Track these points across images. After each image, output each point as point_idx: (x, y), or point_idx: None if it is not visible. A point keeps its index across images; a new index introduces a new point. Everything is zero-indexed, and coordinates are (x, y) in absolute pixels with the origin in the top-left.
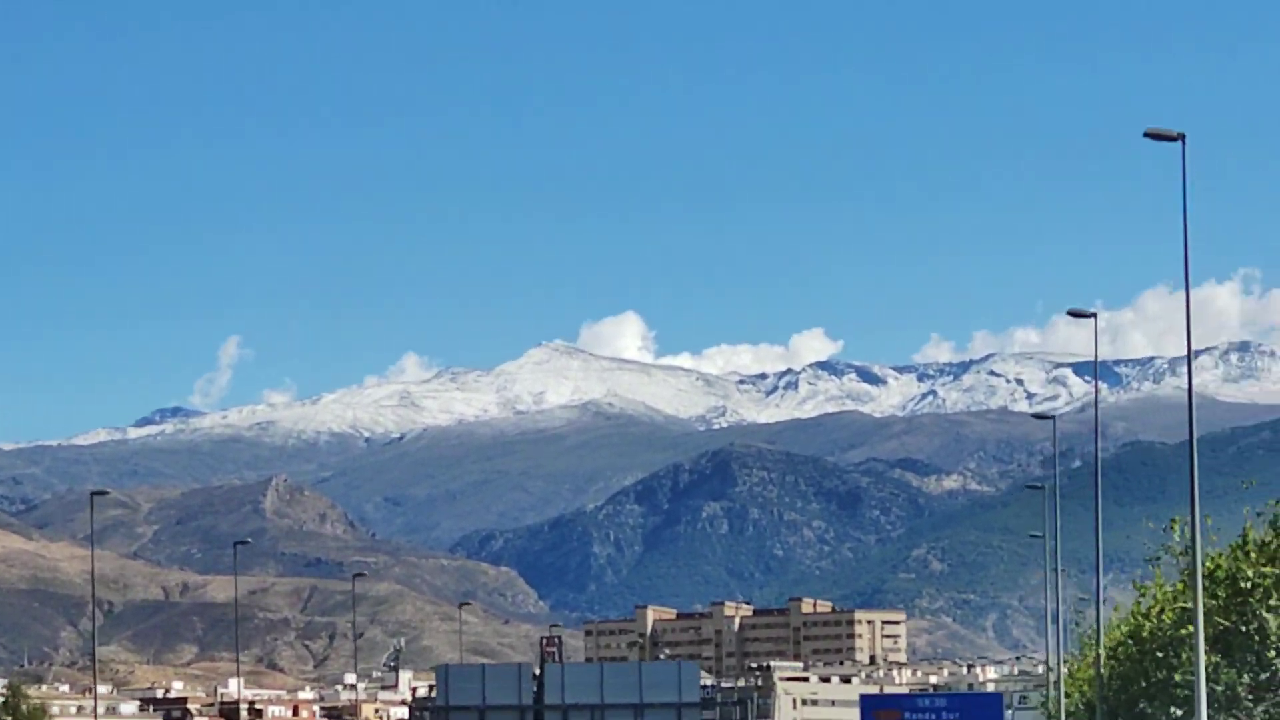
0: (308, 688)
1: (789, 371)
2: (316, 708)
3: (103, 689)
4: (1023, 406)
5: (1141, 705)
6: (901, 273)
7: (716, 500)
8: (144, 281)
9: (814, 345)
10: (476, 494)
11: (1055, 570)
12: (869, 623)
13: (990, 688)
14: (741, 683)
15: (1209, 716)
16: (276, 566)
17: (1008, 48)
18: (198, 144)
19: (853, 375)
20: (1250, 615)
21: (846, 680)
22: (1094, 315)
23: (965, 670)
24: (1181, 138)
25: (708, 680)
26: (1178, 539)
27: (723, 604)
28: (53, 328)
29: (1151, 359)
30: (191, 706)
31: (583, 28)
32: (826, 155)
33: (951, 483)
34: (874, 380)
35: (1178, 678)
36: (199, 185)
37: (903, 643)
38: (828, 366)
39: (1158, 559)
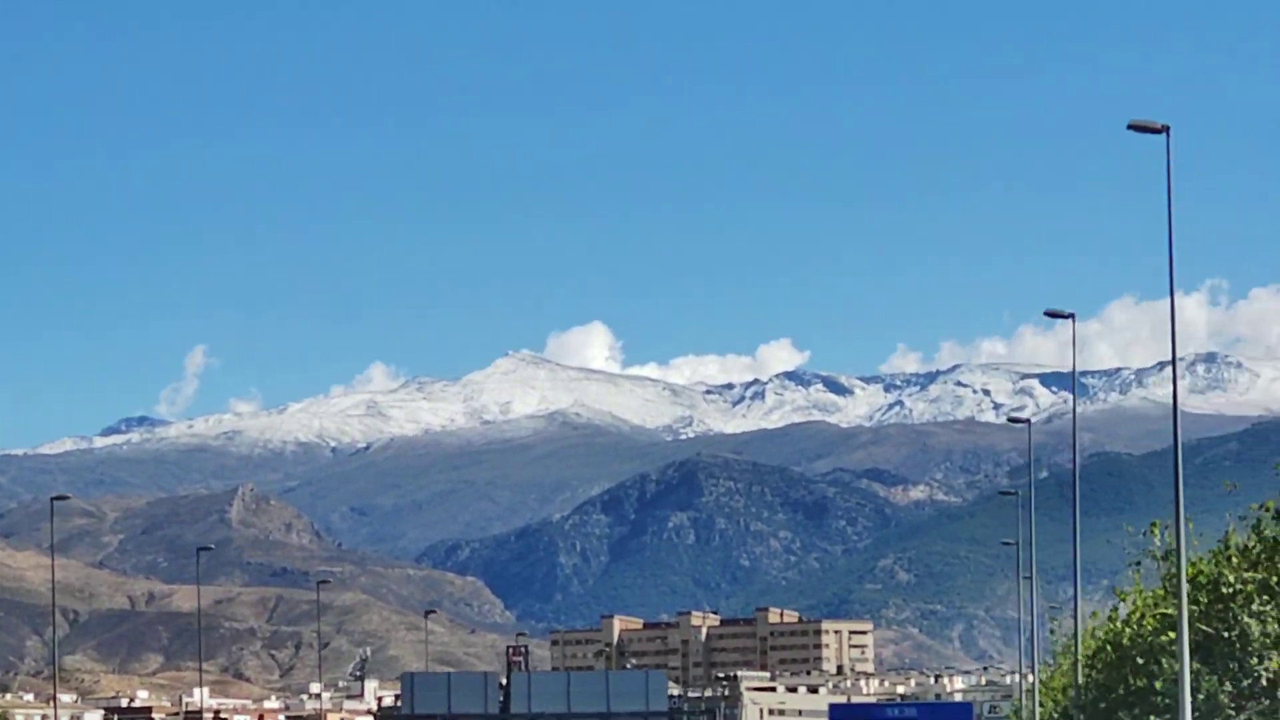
0: (273, 697)
1: (756, 382)
2: (282, 717)
3: (67, 698)
4: (989, 417)
5: (1120, 714)
6: (868, 283)
7: (683, 510)
8: (110, 290)
9: (781, 356)
10: (443, 504)
11: (1030, 577)
12: (836, 633)
13: (958, 698)
14: (709, 692)
15: None
16: (242, 576)
17: (973, 62)
18: (164, 153)
19: (819, 385)
20: (1232, 621)
21: (814, 690)
22: (1071, 316)
23: (933, 680)
24: (1166, 130)
25: (675, 690)
26: (1159, 543)
27: (689, 614)
28: (18, 336)
29: (1118, 370)
30: (156, 716)
31: (542, 41)
32: (792, 165)
33: (918, 493)
34: (841, 391)
35: (1159, 685)
36: (165, 193)
37: (870, 653)
38: (794, 377)
39: (1139, 563)
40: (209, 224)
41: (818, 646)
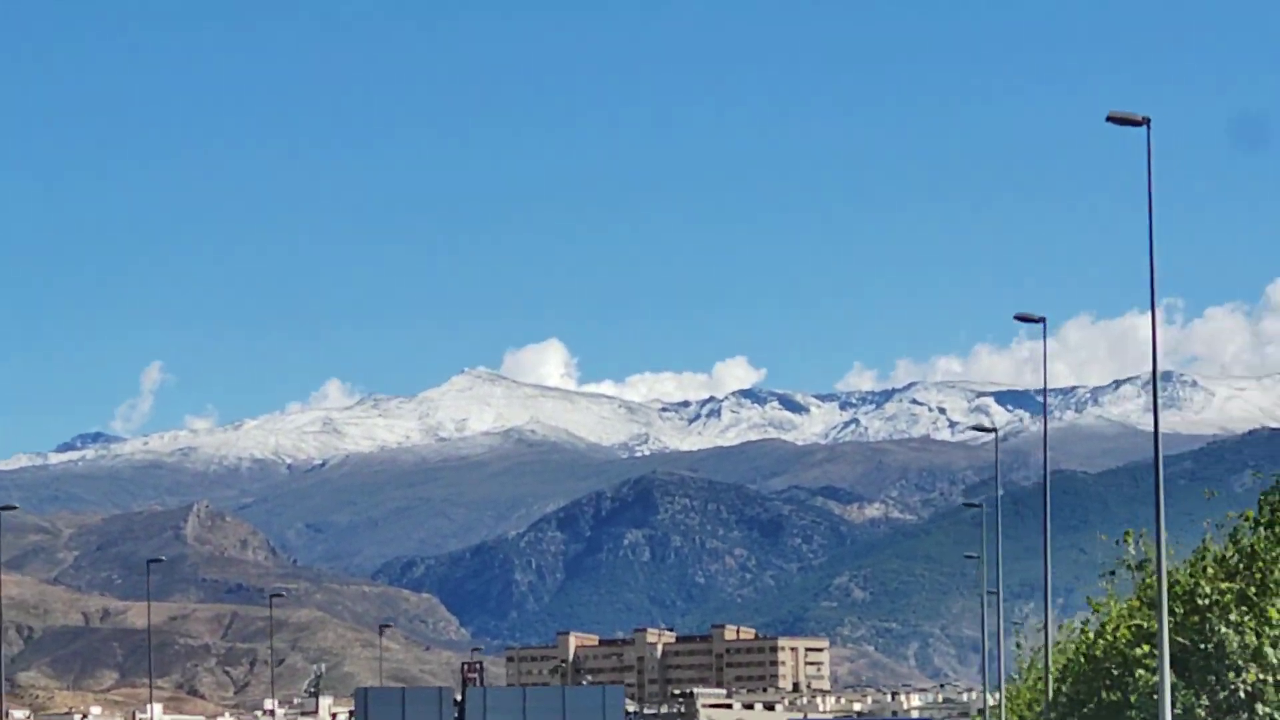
0: (228, 714)
1: (712, 399)
2: None
3: (20, 714)
4: (945, 435)
5: None
6: (824, 301)
7: (639, 528)
8: (66, 306)
9: (737, 373)
10: (398, 521)
11: (996, 591)
12: (792, 650)
13: (915, 714)
14: (665, 709)
15: None
16: (197, 593)
17: (930, 80)
18: (117, 169)
19: (775, 403)
20: (1209, 632)
21: (770, 707)
22: (1042, 320)
23: (889, 698)
24: (1146, 122)
25: (631, 707)
26: (1132, 552)
27: (645, 630)
28: None
29: (1074, 389)
30: None
31: (496, 60)
32: (748, 184)
33: (874, 511)
34: (797, 408)
35: (1133, 699)
36: (120, 210)
37: (826, 670)
38: (750, 394)
39: (1113, 573)
40: (165, 240)
41: (774, 664)
